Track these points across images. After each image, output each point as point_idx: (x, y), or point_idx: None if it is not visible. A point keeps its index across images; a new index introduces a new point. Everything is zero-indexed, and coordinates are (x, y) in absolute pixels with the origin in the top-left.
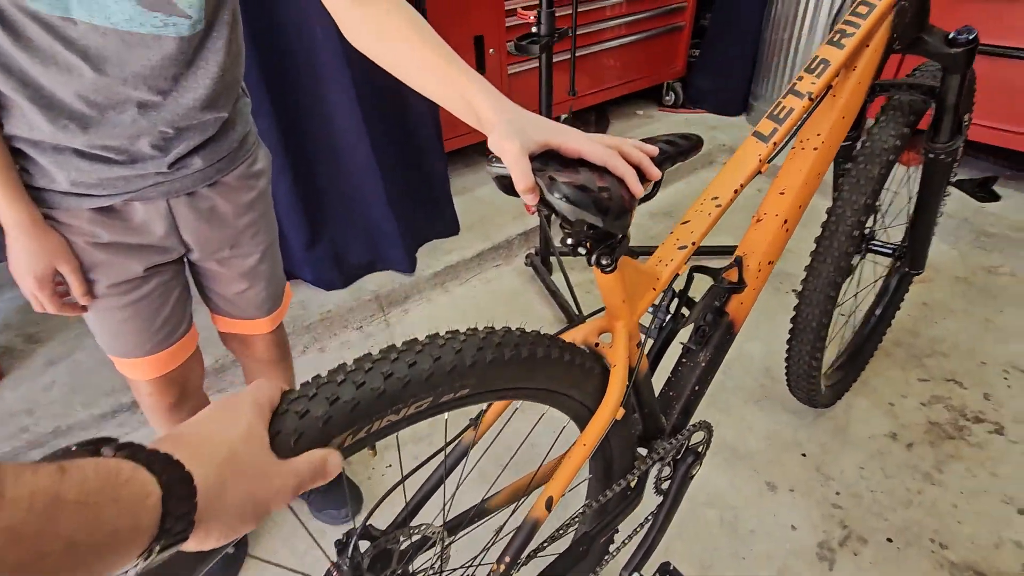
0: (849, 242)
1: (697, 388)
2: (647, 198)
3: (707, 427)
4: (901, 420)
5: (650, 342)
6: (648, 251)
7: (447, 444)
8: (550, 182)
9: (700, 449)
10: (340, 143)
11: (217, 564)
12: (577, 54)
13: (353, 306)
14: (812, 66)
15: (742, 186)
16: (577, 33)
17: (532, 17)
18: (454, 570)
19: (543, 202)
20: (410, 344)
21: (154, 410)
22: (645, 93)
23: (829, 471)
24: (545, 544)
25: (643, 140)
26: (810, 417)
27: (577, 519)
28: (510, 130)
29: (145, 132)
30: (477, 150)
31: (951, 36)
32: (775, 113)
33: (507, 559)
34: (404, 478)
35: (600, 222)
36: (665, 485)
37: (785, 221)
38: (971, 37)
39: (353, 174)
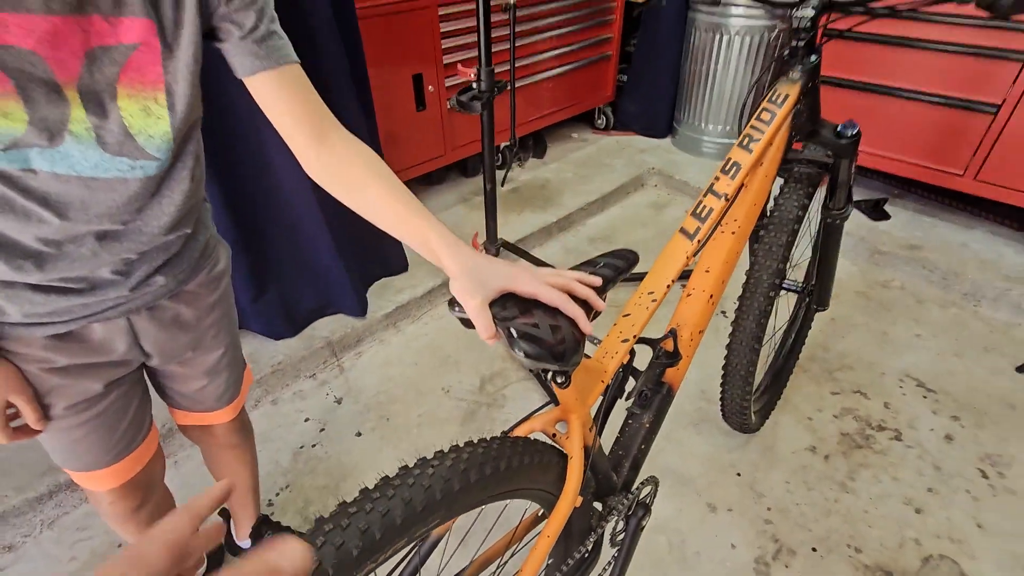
0: (766, 301)
1: (643, 446)
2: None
3: (654, 481)
4: (819, 433)
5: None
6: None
7: (419, 537)
8: (511, 336)
9: (648, 501)
10: (282, 189)
11: None
12: (518, 85)
13: (305, 354)
14: (726, 168)
15: (673, 281)
16: (519, 65)
17: (472, 75)
18: None
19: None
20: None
21: (115, 517)
22: (579, 117)
23: (761, 488)
24: None
25: (582, 265)
26: (741, 439)
27: None
28: (470, 284)
29: (105, 262)
30: (424, 180)
31: (839, 129)
32: (697, 212)
33: None
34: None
35: (556, 367)
36: (620, 538)
37: (711, 296)
38: (854, 132)
39: (296, 220)
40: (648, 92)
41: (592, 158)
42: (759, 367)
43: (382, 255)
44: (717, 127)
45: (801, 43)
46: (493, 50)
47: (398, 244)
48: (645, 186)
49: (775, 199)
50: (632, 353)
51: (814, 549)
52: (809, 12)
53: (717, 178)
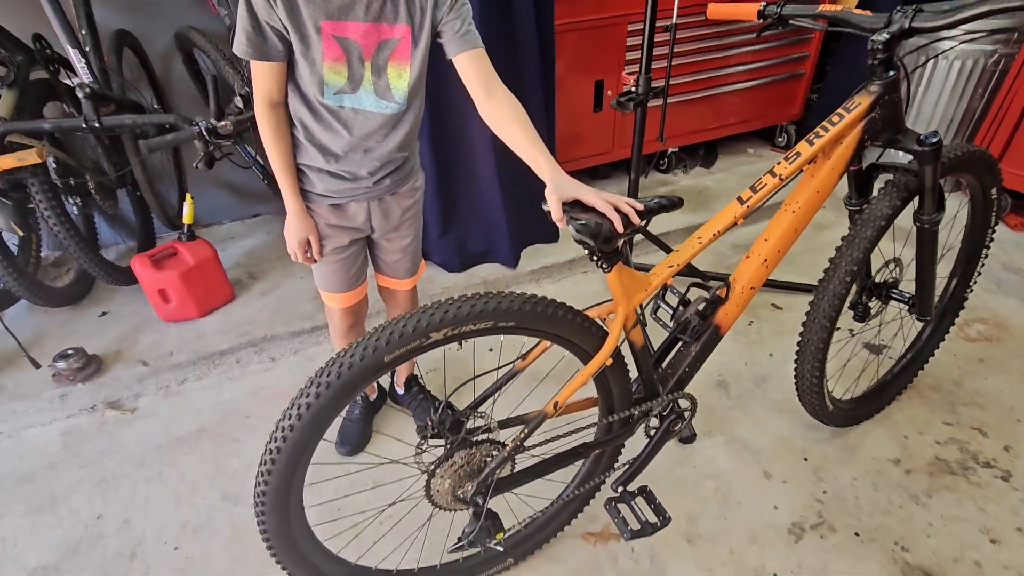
0: (842, 285)
1: (687, 370)
2: (638, 231)
3: (692, 398)
4: (910, 451)
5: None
6: (721, 277)
7: (501, 366)
8: (570, 219)
9: (685, 415)
10: (474, 160)
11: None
12: (696, 95)
13: (465, 288)
14: (789, 156)
15: (719, 232)
16: (701, 77)
17: (632, 80)
18: (495, 442)
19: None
20: (489, 294)
21: (337, 329)
22: (759, 133)
23: (824, 475)
24: (553, 439)
25: (642, 198)
26: (825, 434)
27: (583, 429)
28: (555, 189)
29: (365, 164)
30: (586, 173)
31: (921, 138)
32: (755, 185)
33: (522, 435)
34: (473, 378)
35: (592, 243)
36: (652, 432)
37: (765, 260)
38: (935, 140)
39: (479, 179)
40: None
41: (760, 173)
42: (869, 373)
43: (539, 222)
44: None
45: (878, 62)
46: (679, 62)
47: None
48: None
49: (869, 199)
50: (688, 291)
51: (856, 534)
52: (884, 36)
53: (779, 162)
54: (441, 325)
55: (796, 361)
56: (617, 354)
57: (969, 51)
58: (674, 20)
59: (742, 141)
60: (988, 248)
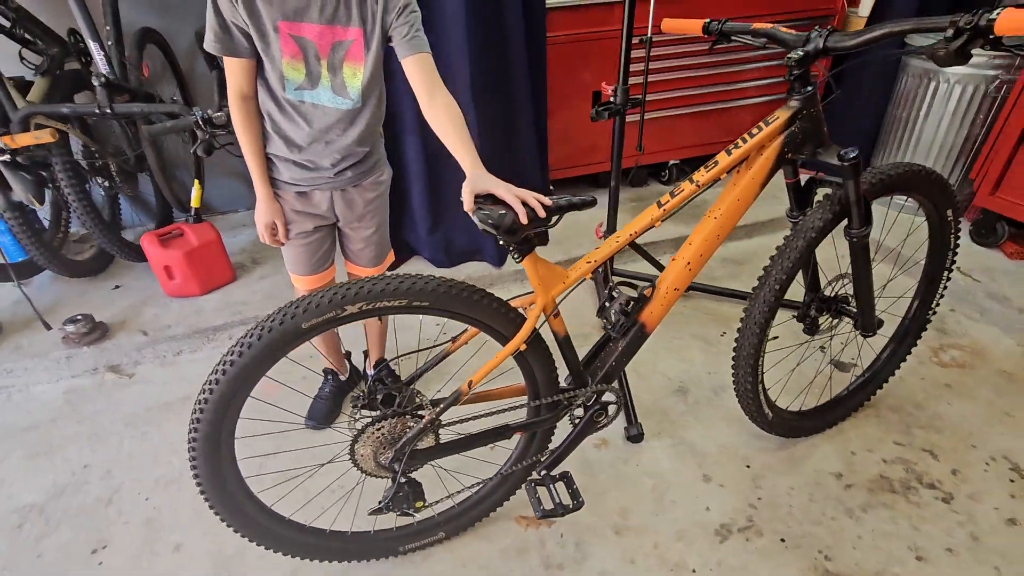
0: (772, 293)
1: (614, 364)
2: (541, 225)
3: (619, 395)
4: (854, 467)
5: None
6: (710, 290)
7: (433, 346)
8: (477, 209)
9: (609, 408)
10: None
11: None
12: (699, 109)
13: None
14: (708, 165)
15: (635, 233)
16: (703, 91)
17: (610, 90)
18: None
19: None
20: (408, 275)
21: None
22: None
23: (762, 483)
24: (473, 417)
25: (554, 196)
26: (772, 444)
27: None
28: (470, 180)
29: (327, 155)
30: (584, 180)
31: (840, 153)
32: (673, 191)
33: (437, 411)
34: (400, 356)
35: (495, 232)
36: (576, 422)
37: (688, 263)
38: (853, 156)
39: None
40: (845, 132)
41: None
42: (826, 388)
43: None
44: None
45: (794, 78)
46: (682, 75)
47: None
48: None
49: (804, 212)
50: (616, 289)
51: (782, 540)
52: (798, 55)
53: (698, 170)
54: (356, 299)
55: (732, 367)
56: (536, 341)
57: (970, 76)
58: (649, 34)
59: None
60: (950, 270)
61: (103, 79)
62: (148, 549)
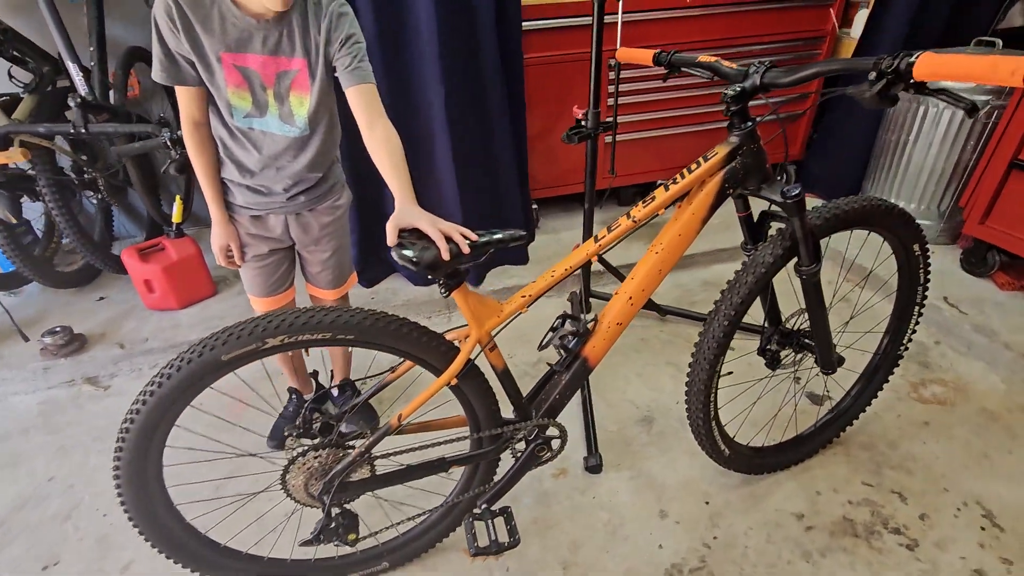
0: (721, 329)
1: (558, 398)
2: (466, 261)
3: (561, 428)
4: (817, 508)
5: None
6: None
7: (372, 375)
8: (396, 244)
9: (552, 443)
10: (439, 181)
11: (294, 407)
12: (685, 130)
13: (427, 300)
14: (646, 200)
15: (570, 268)
16: (689, 113)
17: (581, 114)
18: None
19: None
20: (333, 308)
21: None
22: None
23: (720, 521)
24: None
25: (479, 232)
26: (734, 481)
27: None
28: (395, 217)
29: (278, 181)
30: (573, 199)
31: (783, 190)
32: (611, 226)
33: (367, 444)
34: (331, 386)
35: (413, 268)
36: (518, 454)
37: (630, 298)
38: (795, 193)
39: (446, 204)
40: (836, 156)
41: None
42: (791, 423)
43: (509, 247)
44: (908, 205)
45: (731, 113)
46: (666, 96)
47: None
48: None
49: (756, 246)
50: (562, 320)
51: None
52: (733, 91)
53: (636, 205)
54: (277, 332)
55: (686, 400)
56: (472, 374)
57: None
58: (616, 58)
59: None
60: (921, 306)
61: (79, 99)
62: (98, 567)
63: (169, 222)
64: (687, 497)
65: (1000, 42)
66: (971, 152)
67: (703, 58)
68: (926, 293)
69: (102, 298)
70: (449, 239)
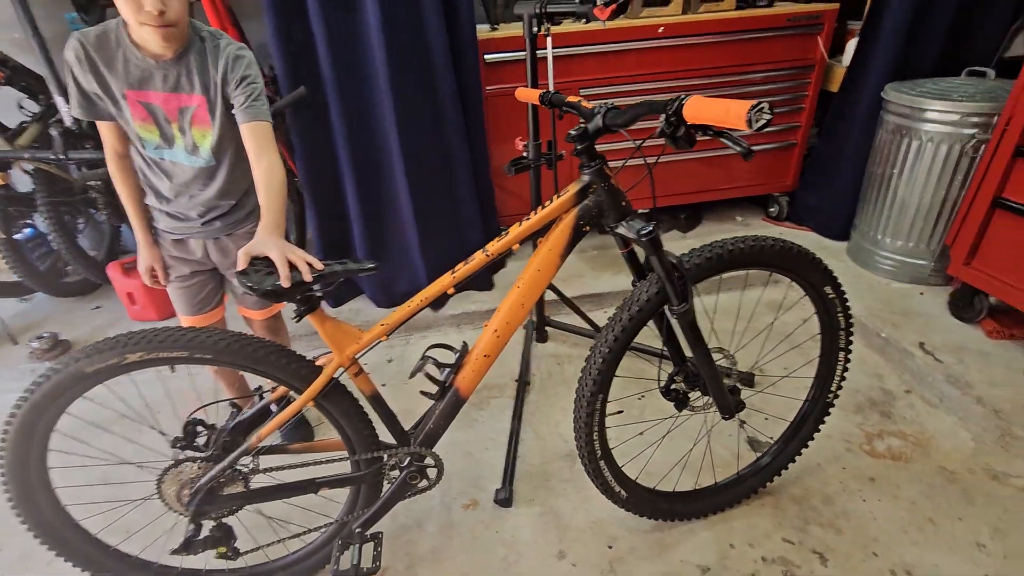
0: (603, 361)
1: (433, 427)
2: (309, 289)
3: (437, 459)
4: (726, 562)
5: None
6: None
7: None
8: (242, 272)
9: (428, 472)
10: (398, 206)
11: None
12: (676, 158)
13: None
14: (501, 235)
15: (426, 299)
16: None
17: (522, 146)
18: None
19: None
20: (192, 329)
21: None
22: (754, 200)
23: (619, 568)
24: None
25: (327, 261)
26: (646, 527)
27: (303, 465)
28: (250, 246)
29: (192, 208)
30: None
31: (637, 229)
32: (466, 260)
33: (231, 460)
34: (202, 406)
35: (252, 294)
36: (393, 479)
37: (496, 330)
38: (647, 231)
39: (404, 228)
40: (829, 187)
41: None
42: (724, 472)
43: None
44: (896, 241)
45: (578, 152)
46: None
47: (488, 269)
48: (779, 283)
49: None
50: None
51: None
52: (576, 131)
53: (492, 241)
54: (136, 348)
55: (575, 431)
56: (338, 398)
57: (945, 134)
58: (551, 87)
59: (733, 207)
60: (847, 352)
61: (61, 128)
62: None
63: None
64: (591, 539)
65: (992, 72)
66: (959, 187)
67: (571, 98)
68: (850, 339)
69: (97, 307)
70: (293, 267)
